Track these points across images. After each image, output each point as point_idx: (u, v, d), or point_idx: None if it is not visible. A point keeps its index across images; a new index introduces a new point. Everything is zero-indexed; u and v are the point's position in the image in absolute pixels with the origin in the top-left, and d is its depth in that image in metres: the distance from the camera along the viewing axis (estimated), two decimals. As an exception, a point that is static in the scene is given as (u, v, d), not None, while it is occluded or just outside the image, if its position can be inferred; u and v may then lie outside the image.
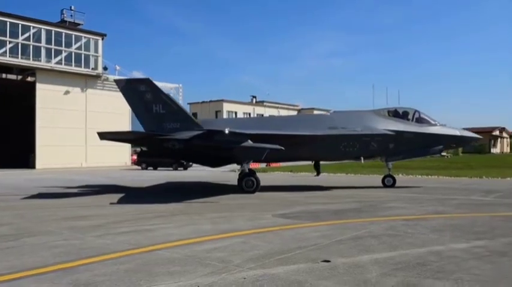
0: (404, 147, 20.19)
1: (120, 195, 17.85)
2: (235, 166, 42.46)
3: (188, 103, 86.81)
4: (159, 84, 63.04)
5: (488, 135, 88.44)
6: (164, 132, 19.30)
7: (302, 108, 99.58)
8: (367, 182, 24.15)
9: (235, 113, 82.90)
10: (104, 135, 19.45)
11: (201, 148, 18.71)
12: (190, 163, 43.84)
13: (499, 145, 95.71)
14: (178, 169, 41.58)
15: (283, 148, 17.87)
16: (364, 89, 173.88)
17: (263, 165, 43.26)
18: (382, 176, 21.57)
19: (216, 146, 17.90)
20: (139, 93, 20.05)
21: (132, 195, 18.61)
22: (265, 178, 27.86)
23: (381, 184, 20.87)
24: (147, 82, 20.33)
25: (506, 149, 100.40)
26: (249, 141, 17.90)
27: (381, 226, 10.28)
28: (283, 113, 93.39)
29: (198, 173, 35.87)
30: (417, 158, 22.22)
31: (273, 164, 43.88)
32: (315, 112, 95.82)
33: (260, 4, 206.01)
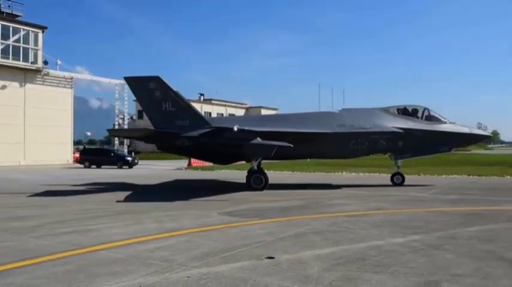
0: (414, 145, 20.20)
1: (63, 194, 17.20)
2: (182, 164, 42.15)
3: (134, 100, 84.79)
4: (104, 80, 61.37)
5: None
6: (174, 130, 19.39)
7: (250, 107, 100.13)
8: (313, 179, 24.62)
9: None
10: (114, 133, 19.47)
11: (210, 145, 18.89)
12: (136, 161, 43.01)
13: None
14: (123, 167, 40.56)
15: (291, 145, 17.96)
16: (310, 88, 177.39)
17: (210, 163, 43.12)
18: (390, 175, 21.48)
19: (225, 143, 18.13)
20: (148, 91, 20.11)
21: (76, 193, 17.97)
22: (213, 176, 27.80)
23: (325, 182, 21.34)
24: (156, 80, 20.23)
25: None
26: (258, 138, 18.07)
27: (324, 223, 10.53)
28: (231, 111, 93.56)
29: (144, 171, 35.15)
30: (425, 156, 22.37)
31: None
32: (262, 111, 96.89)
33: (209, 2, 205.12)
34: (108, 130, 19.14)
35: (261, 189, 18.33)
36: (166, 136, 19.63)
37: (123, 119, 64.13)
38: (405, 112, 20.89)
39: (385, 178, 23.65)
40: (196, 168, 37.95)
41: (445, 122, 20.50)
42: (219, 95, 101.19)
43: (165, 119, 20.04)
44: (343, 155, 21.29)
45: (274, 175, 28.70)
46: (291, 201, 14.96)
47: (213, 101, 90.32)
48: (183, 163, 43.20)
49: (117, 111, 64.06)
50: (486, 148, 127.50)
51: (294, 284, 5.77)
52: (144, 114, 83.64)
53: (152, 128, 20.45)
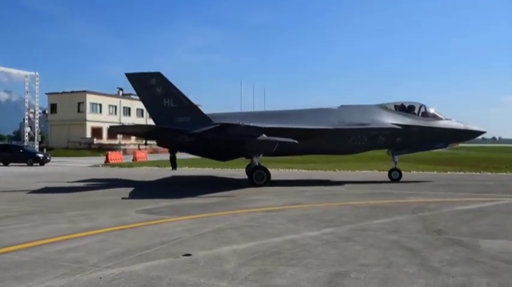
0: (411, 141, 20.60)
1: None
2: (99, 161, 40.48)
3: (46, 93, 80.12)
4: (12, 71, 57.07)
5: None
6: (175, 126, 19.43)
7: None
8: (231, 174, 24.77)
9: (100, 105, 78.69)
10: (117, 129, 18.69)
11: (212, 141, 18.86)
12: (48, 158, 40.59)
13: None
14: (34, 164, 38.11)
15: (296, 141, 18.19)
16: (232, 84, 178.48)
17: (128, 160, 41.90)
18: (388, 171, 21.74)
19: (229, 139, 18.21)
20: (150, 87, 20.12)
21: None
22: (132, 174, 27.02)
23: (245, 177, 21.45)
24: (157, 76, 20.18)
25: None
26: (264, 135, 18.25)
27: (243, 218, 10.67)
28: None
29: (58, 169, 33.29)
30: (421, 152, 22.81)
31: (140, 159, 42.75)
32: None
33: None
34: (112, 127, 18.77)
35: (263, 185, 18.46)
36: (169, 132, 19.52)
37: (34, 113, 60.23)
38: (402, 109, 21.34)
39: (302, 173, 24.43)
40: (113, 165, 36.66)
41: (441, 119, 21.00)
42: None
43: (166, 115, 20.05)
44: (343, 150, 21.59)
45: (193, 172, 28.50)
46: (210, 197, 14.91)
47: (132, 96, 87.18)
48: (100, 159, 41.54)
49: (27, 104, 59.94)
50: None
51: (210, 281, 5.80)
52: (58, 109, 78.77)
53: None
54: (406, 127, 20.21)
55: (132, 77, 20.69)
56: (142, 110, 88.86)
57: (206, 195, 15.59)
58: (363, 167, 29.95)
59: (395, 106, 21.37)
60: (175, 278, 5.90)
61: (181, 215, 11.15)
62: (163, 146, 24.09)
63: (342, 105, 22.12)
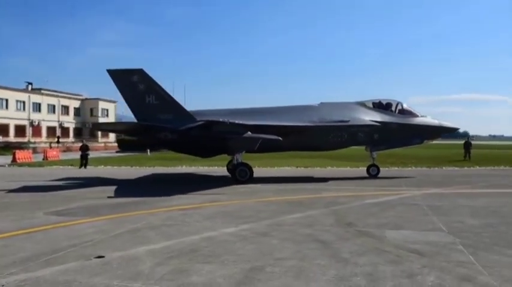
0: (389, 137, 20.96)
1: None
2: (4, 160, 37.57)
3: None
4: None
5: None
6: (157, 123, 19.24)
7: (86, 98, 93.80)
8: (148, 172, 24.26)
9: (6, 100, 73.05)
10: (99, 126, 17.76)
11: (195, 138, 18.86)
12: None
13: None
14: None
15: (280, 138, 18.38)
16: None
17: (38, 159, 39.34)
18: (366, 167, 22.01)
19: (214, 136, 18.29)
20: (132, 83, 19.94)
21: None
22: (42, 174, 25.42)
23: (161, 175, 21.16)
24: (139, 73, 20.04)
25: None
26: (249, 132, 18.38)
27: (160, 217, 10.49)
28: (65, 102, 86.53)
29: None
30: (400, 148, 23.08)
31: (52, 158, 40.37)
32: (100, 103, 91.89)
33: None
34: (94, 124, 17.88)
35: (246, 181, 18.44)
36: (151, 129, 19.26)
37: None
38: (380, 106, 21.75)
39: (223, 170, 24.43)
40: (21, 165, 34.26)
41: (417, 116, 21.57)
42: (51, 84, 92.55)
43: (148, 112, 19.81)
44: (324, 147, 21.86)
45: (104, 171, 27.49)
46: (126, 197, 14.46)
47: (43, 91, 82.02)
48: (6, 159, 38.60)
49: None
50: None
51: (123, 282, 5.64)
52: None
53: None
54: (384, 124, 20.77)
55: (114, 74, 20.43)
56: (54, 106, 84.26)
57: (120, 195, 15.08)
58: (281, 163, 30.62)
59: (373, 103, 21.95)
60: (85, 281, 5.66)
61: (95, 216, 10.70)
62: (145, 143, 23.52)
63: (321, 103, 22.53)
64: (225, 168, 23.60)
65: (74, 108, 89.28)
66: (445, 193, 15.02)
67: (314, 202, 13.04)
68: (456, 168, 28.00)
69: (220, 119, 18.16)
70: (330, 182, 18.93)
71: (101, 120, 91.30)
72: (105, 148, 71.93)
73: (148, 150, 57.41)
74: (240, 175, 18.95)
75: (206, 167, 28.09)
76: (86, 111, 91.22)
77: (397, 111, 21.61)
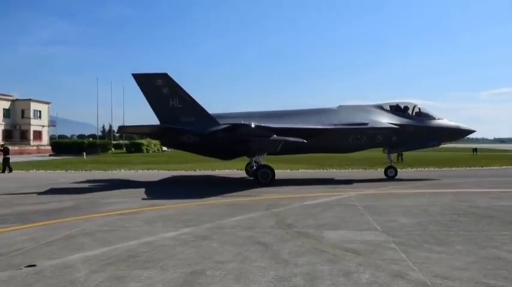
0: (406, 139, 21.27)
1: None
2: None
3: None
4: None
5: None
6: (179, 125, 19.89)
7: (17, 99, 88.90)
8: (85, 177, 23.38)
9: None
10: (126, 129, 20.94)
11: (219, 141, 19.38)
12: None
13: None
14: None
15: (305, 141, 18.90)
16: (87, 81, 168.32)
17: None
18: (383, 168, 22.39)
19: (238, 139, 18.76)
20: (156, 87, 20.55)
21: None
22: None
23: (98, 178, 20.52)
24: (164, 77, 20.64)
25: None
26: (274, 135, 18.79)
27: (97, 223, 10.14)
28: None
29: None
30: (416, 151, 23.06)
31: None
32: (33, 104, 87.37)
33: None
34: (120, 127, 21.72)
35: (268, 183, 18.61)
36: (174, 132, 19.93)
37: None
38: (397, 109, 22.04)
39: (164, 174, 24.06)
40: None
41: (434, 118, 21.84)
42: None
43: (172, 115, 20.44)
44: (343, 149, 22.21)
45: (34, 175, 26.26)
46: (60, 202, 13.79)
47: (-4, 95, 76.76)
48: None
49: None
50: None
51: (57, 291, 5.40)
52: None
53: None
54: (402, 126, 21.19)
55: (139, 78, 20.93)
56: (8, 110, 79.82)
57: (54, 200, 14.43)
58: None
59: (390, 106, 22.28)
60: (15, 292, 5.37)
61: (26, 223, 10.15)
62: (168, 146, 24.38)
63: (340, 105, 22.93)
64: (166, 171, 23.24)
65: (4, 109, 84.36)
66: (379, 194, 15.65)
67: (255, 204, 13.12)
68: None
69: (246, 122, 18.27)
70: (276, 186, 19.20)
71: (34, 122, 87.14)
72: (38, 151, 68.82)
73: (84, 153, 55.84)
74: (263, 177, 19.11)
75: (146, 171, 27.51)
76: (16, 113, 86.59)
77: (414, 113, 22.05)
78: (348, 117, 21.56)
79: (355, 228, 9.38)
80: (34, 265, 6.50)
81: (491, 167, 30.81)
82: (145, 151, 64.76)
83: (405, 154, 39.83)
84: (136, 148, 65.07)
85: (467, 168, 29.96)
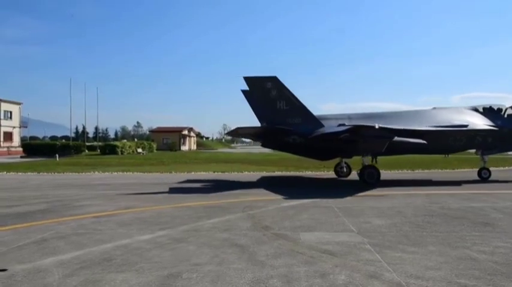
0: (501, 141, 21.39)
1: None
2: None
3: None
4: None
5: (178, 134, 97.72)
6: (285, 127, 20.81)
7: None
8: (58, 179, 22.92)
9: None
10: (241, 130, 21.35)
11: (323, 142, 20.13)
12: None
13: (187, 143, 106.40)
14: None
15: (425, 142, 19.28)
16: (59, 82, 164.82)
17: None
18: (477, 170, 22.32)
19: (355, 140, 19.20)
20: (265, 90, 21.46)
21: None
22: None
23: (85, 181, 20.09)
24: (274, 80, 21.53)
25: (193, 147, 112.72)
26: (396, 137, 18.74)
27: (70, 225, 9.96)
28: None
29: None
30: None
31: None
32: (3, 104, 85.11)
33: None
34: (237, 128, 21.26)
35: (374, 183, 18.85)
36: (281, 133, 20.81)
37: None
38: (491, 111, 22.09)
39: (138, 176, 23.71)
40: None
41: None
42: None
43: (279, 117, 21.24)
44: (445, 150, 22.69)
45: (16, 177, 25.63)
46: (33, 205, 13.50)
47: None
48: None
49: None
50: (230, 147, 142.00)
51: (29, 296, 5.28)
52: None
53: None
54: (499, 128, 21.28)
55: (250, 81, 21.74)
56: None
57: (26, 203, 14.10)
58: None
59: (484, 108, 22.41)
60: (-15, 298, 5.23)
61: (-4, 227, 9.90)
62: (270, 147, 24.39)
63: (434, 107, 23.23)
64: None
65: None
66: (354, 195, 15.83)
67: (232, 206, 13.09)
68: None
69: (368, 124, 18.50)
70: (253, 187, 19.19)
71: (4, 123, 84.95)
72: (9, 153, 67.06)
73: (57, 155, 54.66)
74: (369, 177, 19.49)
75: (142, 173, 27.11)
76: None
77: (507, 115, 22.04)
78: (447, 119, 21.74)
79: (331, 229, 9.48)
80: (5, 270, 6.35)
81: (462, 170, 31.54)
82: (119, 152, 63.83)
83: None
84: (110, 150, 64.08)
85: (439, 170, 30.59)
